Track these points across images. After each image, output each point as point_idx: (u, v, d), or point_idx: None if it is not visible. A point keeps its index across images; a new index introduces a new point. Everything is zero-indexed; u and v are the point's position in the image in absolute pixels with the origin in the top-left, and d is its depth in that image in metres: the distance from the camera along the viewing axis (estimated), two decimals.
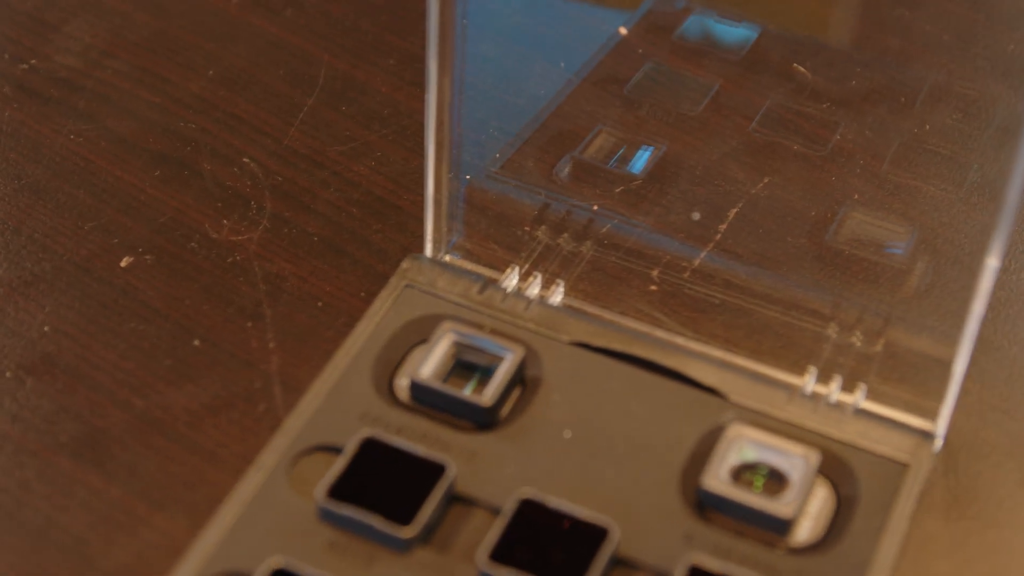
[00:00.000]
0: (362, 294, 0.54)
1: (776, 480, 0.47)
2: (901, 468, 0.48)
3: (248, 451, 0.49)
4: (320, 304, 0.54)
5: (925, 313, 0.52)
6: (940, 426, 0.49)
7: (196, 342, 0.52)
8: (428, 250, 0.53)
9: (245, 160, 0.58)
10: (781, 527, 0.46)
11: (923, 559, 0.47)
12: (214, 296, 0.54)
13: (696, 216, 0.53)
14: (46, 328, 0.52)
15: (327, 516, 0.46)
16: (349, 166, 0.58)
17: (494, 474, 0.47)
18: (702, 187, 0.56)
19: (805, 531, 0.46)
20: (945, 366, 0.48)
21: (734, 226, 0.55)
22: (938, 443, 0.48)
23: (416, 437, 0.48)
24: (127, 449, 0.49)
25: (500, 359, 0.49)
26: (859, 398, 0.49)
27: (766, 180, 0.56)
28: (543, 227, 0.54)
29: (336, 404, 0.48)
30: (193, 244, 0.55)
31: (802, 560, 0.45)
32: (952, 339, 0.48)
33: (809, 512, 0.47)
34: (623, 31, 0.62)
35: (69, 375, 0.51)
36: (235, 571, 0.45)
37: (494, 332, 0.50)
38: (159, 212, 0.56)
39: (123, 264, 0.55)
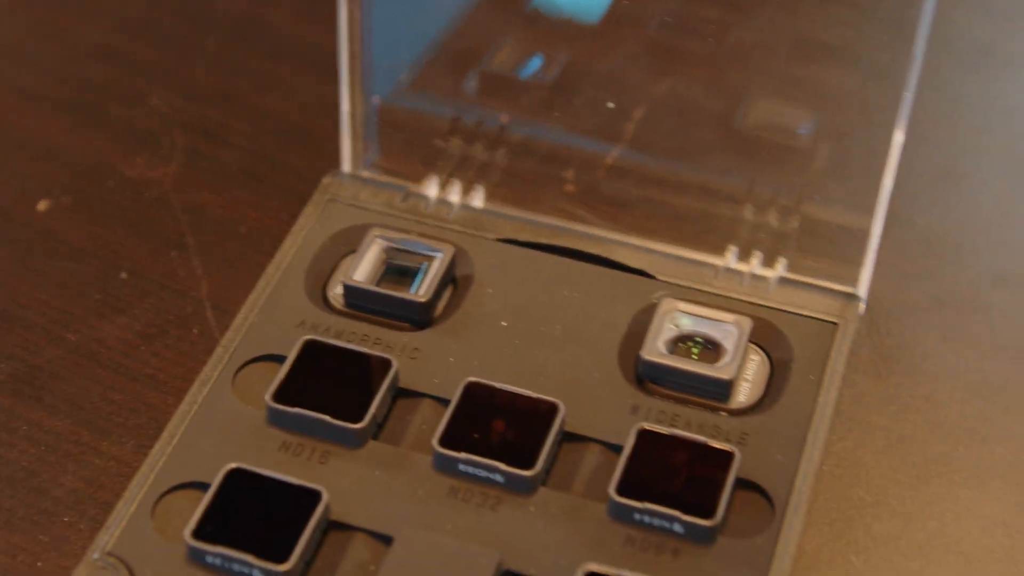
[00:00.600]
0: (284, 216, 0.54)
1: (711, 349, 0.48)
2: (830, 328, 0.49)
3: (187, 373, 0.49)
4: (243, 229, 0.54)
5: (836, 190, 0.53)
6: (862, 288, 0.50)
7: (123, 275, 0.52)
8: (347, 167, 0.54)
9: (154, 101, 0.58)
10: (721, 391, 0.47)
11: (858, 414, 0.49)
12: (136, 231, 0.54)
13: (611, 105, 0.54)
14: None
15: (276, 419, 0.46)
16: (258, 98, 0.58)
17: (437, 367, 0.47)
18: (607, 91, 0.57)
19: (744, 394, 0.47)
20: (861, 234, 0.50)
21: (643, 125, 0.56)
22: (861, 305, 0.50)
23: (356, 339, 0.48)
24: (66, 382, 0.49)
25: (430, 259, 0.50)
26: (780, 270, 0.51)
27: (669, 81, 0.57)
28: (456, 139, 0.55)
29: (272, 316, 0.49)
30: (110, 183, 0.55)
31: (744, 421, 0.46)
32: (866, 210, 0.49)
33: (746, 376, 0.48)
34: None
35: (1, 318, 0.51)
36: (190, 481, 0.45)
37: (422, 235, 0.51)
38: (72, 157, 0.56)
39: (41, 208, 0.54)
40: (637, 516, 0.44)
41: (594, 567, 0.42)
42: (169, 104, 0.58)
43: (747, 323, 0.48)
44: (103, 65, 0.60)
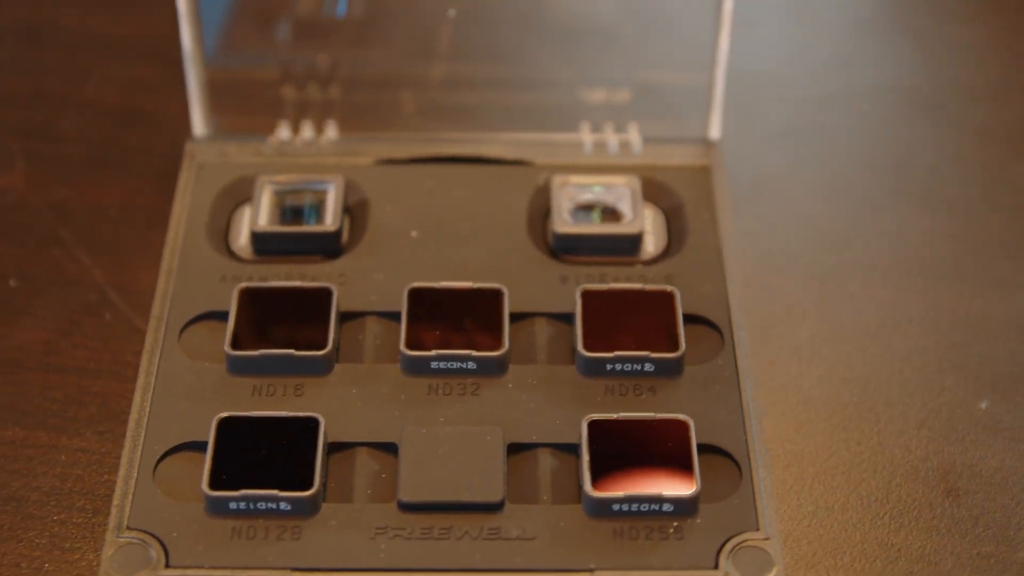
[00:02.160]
0: (148, 192, 0.55)
1: (610, 212, 0.52)
2: (704, 171, 0.53)
3: (116, 355, 0.50)
4: (113, 213, 0.54)
5: (670, 55, 0.57)
6: (714, 131, 0.54)
7: (12, 282, 0.52)
8: (199, 131, 0.54)
9: None
10: (633, 246, 0.50)
11: (751, 238, 0.53)
12: (6, 238, 0.53)
13: (452, 13, 0.56)
14: None
15: (239, 367, 0.47)
16: (75, 90, 0.58)
17: (367, 286, 0.49)
18: (409, 18, 0.60)
19: (652, 245, 0.51)
20: (703, 88, 0.54)
21: (457, 36, 0.58)
22: (715, 144, 0.54)
23: (282, 279, 0.49)
24: (1, 395, 0.49)
25: (324, 192, 0.52)
26: (636, 136, 0.54)
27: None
28: (290, 86, 0.56)
29: (191, 279, 0.49)
30: None
31: (664, 266, 0.50)
32: (701, 65, 0.53)
33: (648, 229, 0.51)
34: None
35: None
36: (180, 444, 0.45)
37: (306, 172, 0.52)
38: None
39: None
40: (609, 366, 0.47)
41: (594, 416, 0.45)
42: None
43: (636, 181, 0.52)
44: None
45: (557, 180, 0.52)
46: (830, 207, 0.54)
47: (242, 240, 0.51)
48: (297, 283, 0.48)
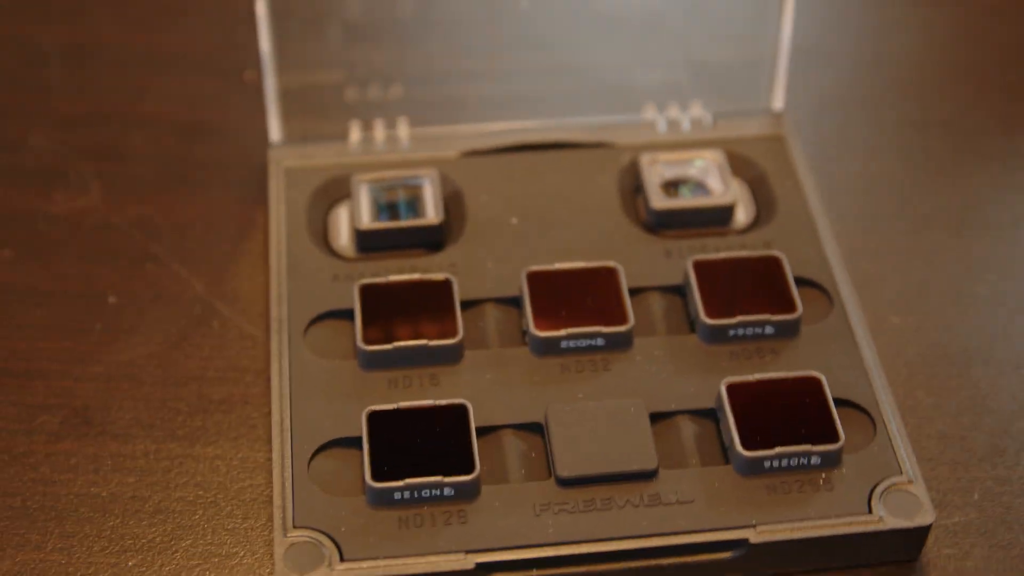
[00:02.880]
0: (229, 201, 0.55)
1: (700, 187, 0.53)
2: (778, 140, 0.55)
3: (231, 361, 0.50)
4: (199, 225, 0.54)
5: (720, 32, 0.58)
6: (778, 102, 0.56)
7: (111, 299, 0.52)
8: (276, 138, 0.55)
9: (35, 140, 0.57)
10: (727, 216, 0.52)
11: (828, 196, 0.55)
12: (98, 259, 0.53)
13: (525, 3, 0.57)
14: None
15: (372, 362, 0.47)
16: (135, 108, 0.58)
17: (480, 274, 0.50)
18: (459, 12, 0.60)
19: (743, 215, 0.53)
20: (758, 61, 0.55)
21: (509, 28, 0.59)
22: (785, 114, 0.56)
23: (392, 274, 0.50)
24: (121, 411, 0.49)
25: (420, 186, 0.52)
26: (702, 112, 0.56)
27: None
28: (351, 87, 0.57)
29: (303, 281, 0.50)
30: (41, 225, 0.54)
31: (760, 233, 0.52)
32: (755, 38, 0.55)
33: (739, 200, 0.53)
34: None
35: (10, 375, 0.50)
36: (330, 441, 0.46)
37: (397, 169, 0.53)
38: None
39: None
40: (732, 332, 0.48)
41: (731, 379, 0.46)
42: (52, 138, 0.57)
43: (721, 155, 0.53)
44: None
45: (645, 159, 0.53)
46: (895, 166, 0.56)
47: (343, 239, 0.52)
48: (417, 276, 0.49)
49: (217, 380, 0.49)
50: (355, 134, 0.55)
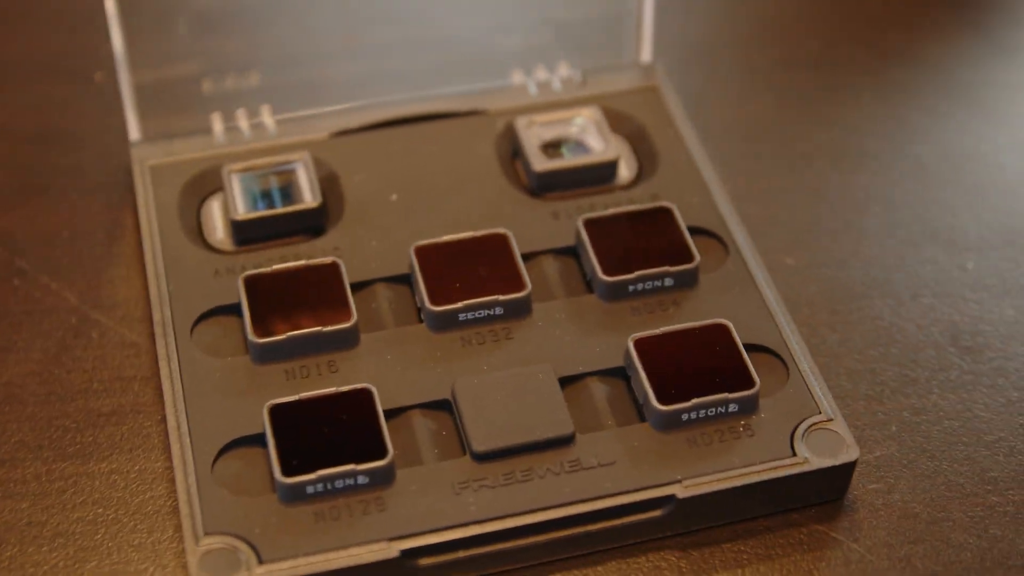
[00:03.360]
0: (95, 205, 0.53)
1: (579, 146, 0.52)
2: (652, 92, 0.54)
3: (117, 370, 0.48)
4: (65, 233, 0.52)
5: None
6: (646, 54, 0.55)
7: None
8: (136, 136, 0.53)
9: None
10: (611, 173, 0.51)
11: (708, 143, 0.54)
12: None
13: None
14: None
15: (265, 355, 0.46)
16: None
17: (365, 254, 0.48)
18: None
19: (626, 171, 0.52)
20: (619, 16, 0.55)
21: (359, 4, 0.58)
22: (656, 65, 0.55)
23: (275, 263, 0.48)
24: (5, 433, 0.46)
25: (292, 171, 0.51)
26: (570, 71, 0.55)
27: None
28: (207, 79, 0.55)
29: (182, 280, 0.48)
30: None
31: (646, 186, 0.51)
32: None
33: (621, 155, 0.52)
34: None
35: None
36: (231, 441, 0.44)
37: (265, 157, 0.51)
38: None
39: None
40: (631, 287, 0.47)
41: (638, 335, 0.45)
42: None
43: (598, 112, 0.52)
44: None
45: (521, 122, 0.52)
46: (770, 107, 0.56)
47: (219, 233, 0.50)
48: (302, 262, 0.47)
49: (103, 392, 0.47)
50: (218, 126, 0.53)
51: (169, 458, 0.45)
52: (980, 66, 0.58)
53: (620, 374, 0.46)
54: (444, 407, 0.45)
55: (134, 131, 0.52)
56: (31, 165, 0.54)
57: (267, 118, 0.53)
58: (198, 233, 0.50)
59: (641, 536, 0.44)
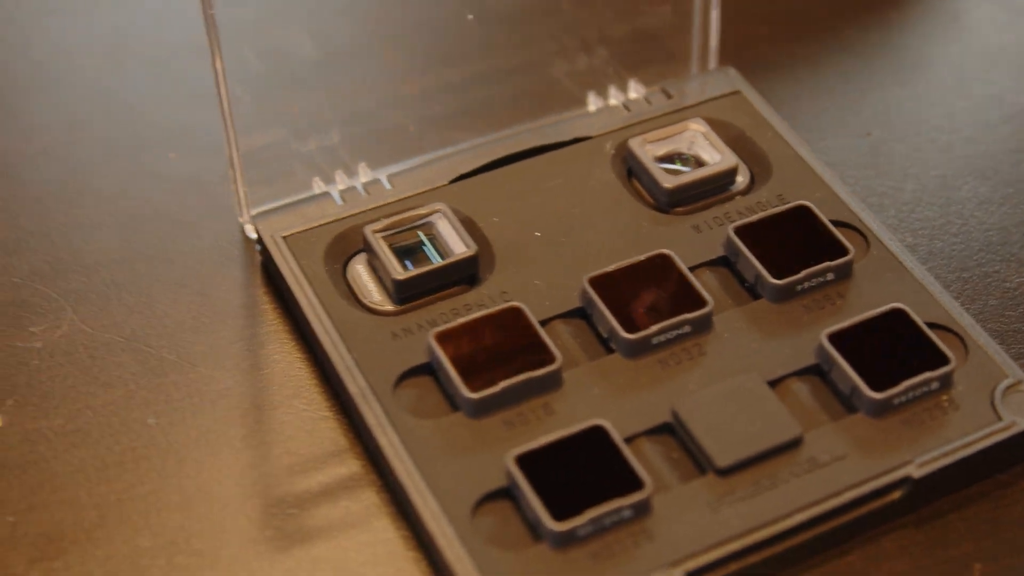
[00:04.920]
0: (223, 282, 0.52)
1: (689, 158, 0.53)
2: (739, 97, 0.56)
3: (316, 449, 0.47)
4: (191, 323, 0.51)
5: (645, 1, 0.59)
6: (713, 61, 0.57)
7: (151, 420, 0.48)
8: (244, 212, 0.52)
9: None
10: (728, 180, 0.53)
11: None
12: (103, 382, 0.49)
13: (471, 17, 0.56)
14: None
15: (480, 409, 0.46)
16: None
17: (534, 293, 0.49)
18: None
19: (742, 177, 0.53)
20: (683, 26, 0.56)
21: (422, 47, 0.58)
22: (731, 70, 0.57)
23: (452, 315, 0.48)
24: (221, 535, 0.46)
25: (431, 224, 0.51)
26: (639, 87, 0.56)
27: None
28: (295, 141, 0.54)
29: (363, 346, 0.48)
30: (37, 362, 0.50)
31: (767, 189, 0.52)
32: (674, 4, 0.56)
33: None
34: None
35: None
36: (480, 498, 0.44)
37: (400, 213, 0.51)
38: None
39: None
40: (798, 287, 0.49)
41: (830, 330, 0.47)
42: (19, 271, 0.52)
43: (703, 123, 0.54)
44: None
45: (635, 143, 0.53)
46: (835, 81, 0.58)
47: (374, 295, 0.49)
48: (485, 312, 0.48)
49: (310, 470, 0.47)
50: (320, 187, 0.53)
51: (408, 525, 0.45)
52: None
53: (814, 371, 0.47)
54: (665, 430, 0.46)
55: (251, 204, 0.52)
56: (145, 252, 0.53)
57: (362, 174, 0.53)
58: (354, 297, 0.49)
59: (881, 520, 0.45)
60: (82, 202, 0.55)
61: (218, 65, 0.49)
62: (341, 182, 0.53)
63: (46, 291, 0.52)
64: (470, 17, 0.55)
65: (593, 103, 0.56)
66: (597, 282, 0.49)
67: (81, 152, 0.57)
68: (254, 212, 0.52)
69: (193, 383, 0.49)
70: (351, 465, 0.47)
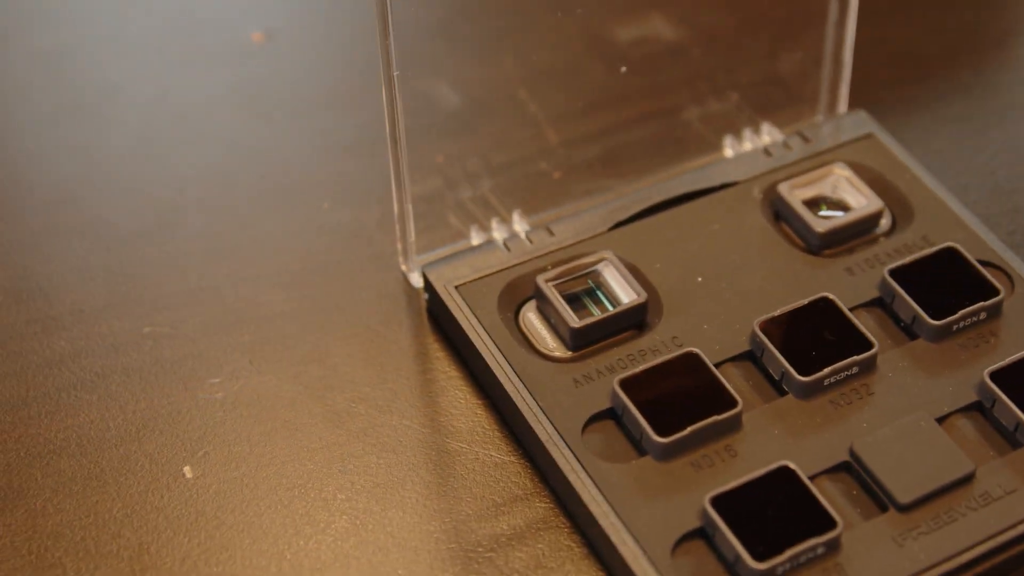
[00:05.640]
0: (389, 332, 0.54)
1: (835, 202, 0.56)
2: (872, 139, 0.58)
3: (505, 493, 0.49)
4: (369, 372, 0.53)
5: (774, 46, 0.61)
6: (843, 104, 0.59)
7: (338, 469, 0.50)
8: (411, 263, 0.54)
9: (145, 330, 0.54)
10: (874, 223, 0.55)
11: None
12: (283, 432, 0.51)
13: (624, 69, 0.58)
14: None
15: (668, 452, 0.48)
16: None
17: (704, 338, 0.51)
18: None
19: (885, 219, 0.55)
20: (814, 70, 0.58)
21: (550, 95, 0.60)
22: (862, 113, 0.59)
23: (628, 363, 0.50)
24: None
25: (598, 272, 0.53)
26: (773, 130, 0.58)
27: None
28: (447, 191, 0.56)
29: (550, 395, 0.50)
30: (220, 414, 0.52)
31: (911, 233, 0.55)
32: (805, 47, 0.58)
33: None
34: None
35: None
36: (677, 540, 0.46)
37: (565, 261, 0.53)
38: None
39: (188, 473, 0.50)
40: (955, 327, 0.51)
41: (991, 368, 0.49)
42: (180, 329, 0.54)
43: (843, 167, 0.56)
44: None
45: (784, 187, 0.55)
46: (971, 130, 0.60)
47: (549, 342, 0.52)
48: (664, 358, 0.50)
49: (502, 513, 0.49)
50: (477, 236, 0.55)
51: (603, 567, 0.47)
52: None
53: (975, 408, 0.50)
54: (842, 468, 0.48)
55: (411, 259, 0.54)
56: (313, 303, 0.55)
57: (516, 222, 0.55)
58: (529, 345, 0.51)
59: None
60: (244, 254, 0.56)
61: (396, 119, 0.51)
62: (498, 231, 0.55)
63: (221, 343, 0.54)
64: (624, 70, 0.57)
65: (730, 147, 0.58)
66: (768, 326, 0.51)
67: (234, 203, 0.58)
68: (420, 261, 0.54)
69: (376, 431, 0.51)
70: (539, 509, 0.49)
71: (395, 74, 0.50)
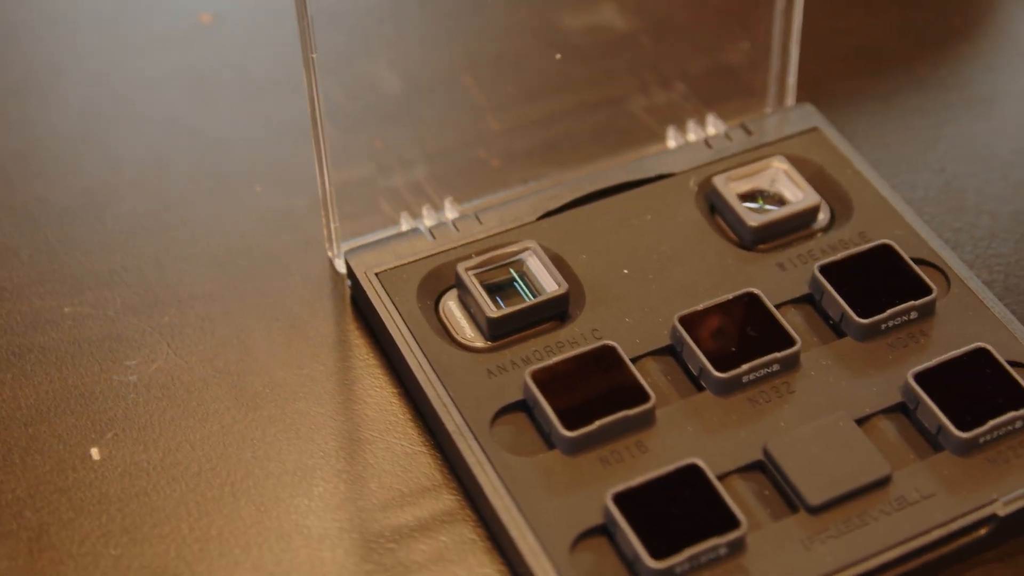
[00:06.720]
0: (309, 319, 0.53)
1: (773, 195, 0.54)
2: (816, 133, 0.56)
3: (411, 484, 0.48)
4: (285, 359, 0.52)
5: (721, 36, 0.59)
6: (790, 97, 0.58)
7: (248, 455, 0.49)
8: (336, 248, 0.53)
9: (66, 310, 0.53)
10: (811, 218, 0.54)
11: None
12: (196, 416, 0.50)
13: (558, 56, 0.57)
14: None
15: (576, 447, 0.47)
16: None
17: (624, 331, 0.50)
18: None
19: (823, 214, 0.54)
20: (761, 62, 0.57)
21: (493, 81, 0.59)
22: (809, 106, 0.58)
23: (545, 354, 0.49)
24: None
25: (521, 261, 0.52)
26: (717, 122, 0.57)
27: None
28: (380, 176, 0.55)
29: (461, 386, 0.49)
30: (133, 396, 0.51)
31: (848, 229, 0.53)
32: (752, 39, 0.57)
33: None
34: None
35: None
36: (579, 535, 0.45)
37: (489, 250, 0.52)
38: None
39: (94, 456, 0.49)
40: (883, 326, 0.50)
41: (915, 370, 0.48)
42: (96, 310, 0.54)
43: (785, 161, 0.55)
44: None
45: (719, 180, 0.54)
46: (912, 132, 0.59)
47: (467, 331, 0.51)
48: (579, 351, 0.49)
49: (404, 504, 0.48)
50: (406, 223, 0.54)
51: (504, 561, 0.46)
52: None
53: (899, 409, 0.48)
54: (756, 468, 0.47)
55: (335, 242, 0.53)
56: (237, 286, 0.54)
57: (448, 210, 0.54)
58: (447, 334, 0.50)
59: (967, 556, 0.46)
60: (173, 236, 0.56)
61: (316, 102, 0.50)
62: (428, 217, 0.54)
63: (140, 325, 0.53)
64: (558, 56, 0.56)
65: (673, 138, 0.57)
66: (688, 320, 0.50)
67: (168, 185, 0.58)
68: (345, 247, 0.53)
69: (289, 417, 0.50)
70: (446, 501, 0.48)
71: (313, 56, 0.49)
